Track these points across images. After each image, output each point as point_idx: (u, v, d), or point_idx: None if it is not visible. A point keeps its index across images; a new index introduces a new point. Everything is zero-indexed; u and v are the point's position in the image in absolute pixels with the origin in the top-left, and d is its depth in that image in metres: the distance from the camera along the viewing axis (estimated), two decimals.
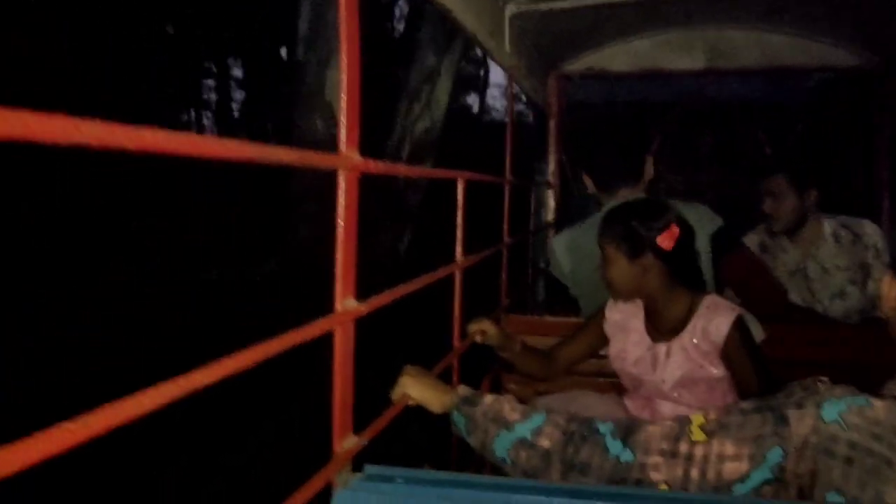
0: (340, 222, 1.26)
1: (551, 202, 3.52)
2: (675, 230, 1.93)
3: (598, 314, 2.22)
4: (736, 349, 1.90)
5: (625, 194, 2.48)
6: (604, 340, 2.21)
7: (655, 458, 1.32)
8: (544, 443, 1.40)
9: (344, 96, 1.26)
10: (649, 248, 1.94)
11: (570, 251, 2.57)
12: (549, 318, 2.61)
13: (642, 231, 1.94)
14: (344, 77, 1.27)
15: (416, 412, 1.60)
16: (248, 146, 0.98)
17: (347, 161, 1.25)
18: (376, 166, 1.35)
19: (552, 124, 3.47)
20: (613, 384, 2.34)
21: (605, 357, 2.23)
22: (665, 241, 1.92)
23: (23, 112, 0.60)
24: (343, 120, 1.26)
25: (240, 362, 0.95)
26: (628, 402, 2.18)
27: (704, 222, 2.37)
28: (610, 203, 2.40)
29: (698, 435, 1.32)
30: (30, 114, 0.61)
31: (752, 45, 3.22)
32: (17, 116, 0.59)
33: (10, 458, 0.61)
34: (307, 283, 5.18)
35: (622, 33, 3.26)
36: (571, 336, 2.27)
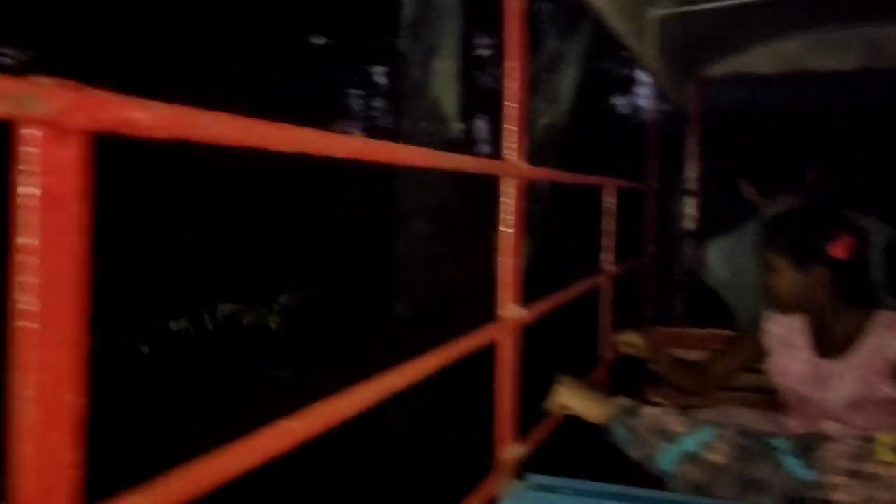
0: (505, 229, 1.25)
1: (692, 210, 3.41)
2: (849, 240, 1.79)
3: (756, 328, 2.10)
4: None
5: (785, 201, 2.36)
6: (762, 355, 2.09)
7: (838, 478, 1.24)
8: (715, 457, 1.34)
9: (509, 103, 1.26)
10: (820, 259, 1.80)
11: (726, 259, 2.47)
12: (695, 331, 2.51)
13: (813, 240, 1.79)
14: (510, 84, 1.26)
15: (573, 422, 1.57)
16: (424, 152, 0.99)
17: (513, 168, 1.25)
18: (541, 173, 1.34)
19: (693, 129, 3.37)
20: (767, 401, 2.22)
21: (759, 371, 2.12)
22: (838, 251, 1.79)
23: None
24: (509, 127, 1.25)
25: (411, 372, 0.96)
26: (788, 421, 2.04)
27: (875, 234, 2.22)
28: (771, 209, 2.28)
29: (886, 455, 1.24)
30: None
31: None
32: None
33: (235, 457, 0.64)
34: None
35: (769, 34, 3.11)
36: (727, 349, 2.15)
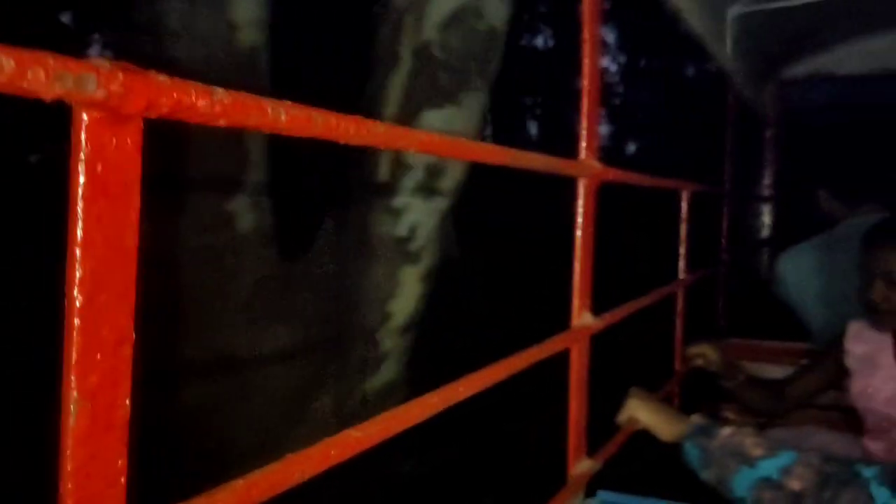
0: (578, 232, 1.20)
1: (767, 218, 3.28)
2: None
3: (836, 346, 1.98)
4: None
5: (869, 210, 2.23)
6: (843, 375, 1.96)
7: None
8: (794, 484, 1.25)
9: (584, 101, 1.20)
10: None
11: (798, 271, 2.35)
12: (770, 343, 2.40)
13: None
14: (585, 82, 1.21)
15: (645, 437, 1.50)
16: (502, 150, 0.95)
17: (588, 168, 1.19)
18: (616, 174, 1.28)
19: (769, 133, 3.24)
20: (847, 420, 2.09)
21: (839, 388, 2.00)
22: None
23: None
24: (583, 126, 1.20)
25: (483, 379, 0.91)
26: (870, 444, 1.92)
27: None
28: (854, 219, 2.16)
29: None
30: None
31: None
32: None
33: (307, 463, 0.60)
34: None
35: (854, 32, 2.97)
36: (803, 368, 2.03)
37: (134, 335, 0.47)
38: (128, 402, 0.47)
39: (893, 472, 1.22)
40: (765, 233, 3.28)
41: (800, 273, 2.39)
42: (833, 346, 1.98)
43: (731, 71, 2.40)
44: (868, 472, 1.23)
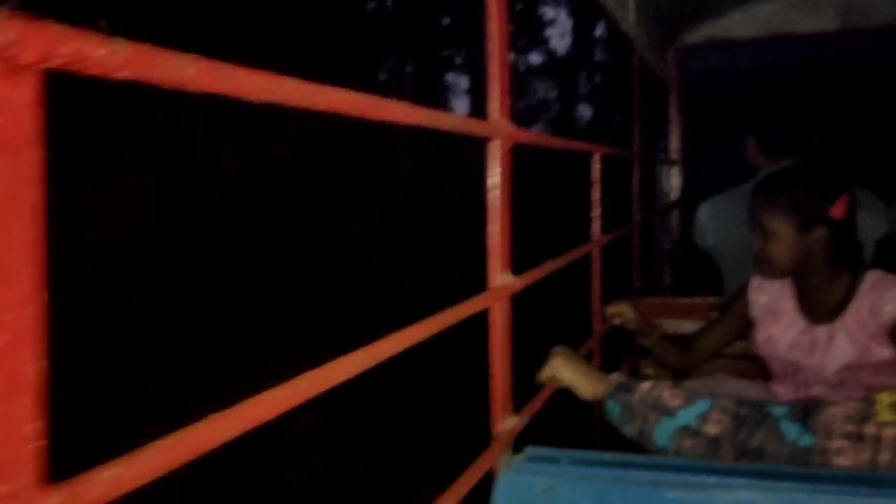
0: (494, 193, 1.21)
1: (676, 180, 3.39)
2: (846, 198, 1.74)
3: (740, 298, 2.06)
4: None
5: (790, 164, 2.33)
6: (748, 325, 2.05)
7: (839, 443, 1.22)
8: (712, 429, 1.32)
9: (493, 61, 1.21)
10: (821, 220, 1.74)
11: (717, 220, 2.44)
12: (683, 300, 2.49)
13: (816, 201, 1.73)
14: (492, 44, 1.22)
15: (568, 394, 1.54)
16: (414, 110, 0.95)
17: (500, 129, 1.20)
18: (527, 136, 1.29)
19: (673, 98, 3.34)
20: (756, 367, 2.20)
21: (748, 338, 2.10)
22: (838, 210, 1.73)
23: None
24: (494, 86, 1.21)
25: (399, 342, 0.92)
26: (777, 388, 2.02)
27: (871, 220, 2.21)
28: (772, 171, 2.25)
29: (886, 415, 1.21)
30: None
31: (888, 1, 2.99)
32: None
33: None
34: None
35: None
36: (712, 323, 2.12)
37: (43, 295, 0.45)
38: (37, 364, 0.45)
39: (801, 409, 1.30)
40: (674, 195, 3.39)
41: (717, 222, 2.48)
42: (737, 298, 2.07)
43: (635, 37, 2.45)
44: (778, 410, 1.30)
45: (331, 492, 3.40)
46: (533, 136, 1.33)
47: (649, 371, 2.40)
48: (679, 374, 2.26)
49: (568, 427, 1.68)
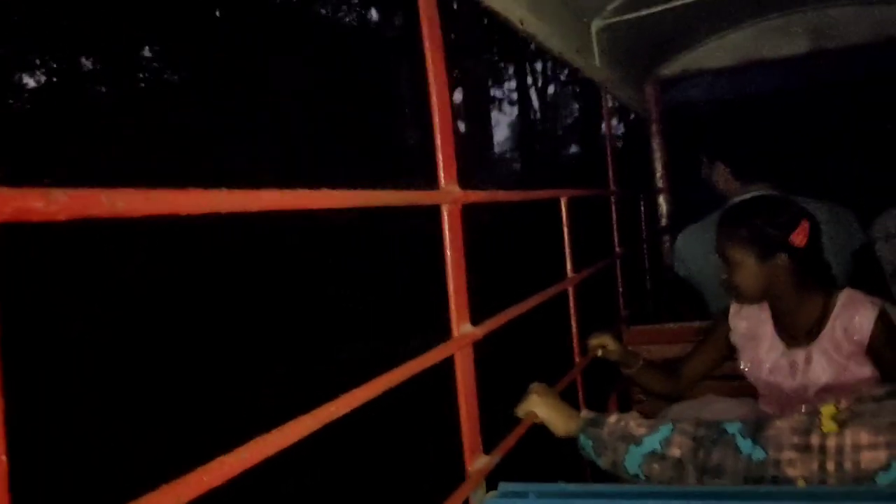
0: (448, 253, 1.32)
1: (663, 208, 3.47)
2: (806, 225, 1.80)
3: (721, 324, 2.13)
4: (883, 345, 1.77)
5: (761, 188, 2.40)
6: (731, 351, 2.12)
7: (788, 454, 1.30)
8: (675, 452, 1.40)
9: (437, 130, 1.32)
10: (781, 248, 1.80)
11: (695, 248, 2.51)
12: (671, 326, 2.56)
13: (772, 230, 1.80)
14: (435, 112, 1.33)
15: (542, 429, 1.62)
16: (354, 194, 1.06)
17: (448, 195, 1.31)
18: (477, 196, 1.40)
19: (654, 129, 3.44)
20: (747, 386, 2.26)
21: (736, 359, 2.17)
22: (798, 238, 1.78)
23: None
24: (439, 155, 1.32)
25: (369, 392, 1.02)
26: (765, 407, 2.08)
27: (846, 234, 2.28)
28: (745, 196, 2.33)
29: (829, 426, 1.29)
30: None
31: (858, 20, 3.08)
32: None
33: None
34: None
35: (716, 28, 3.19)
36: (694, 350, 2.18)
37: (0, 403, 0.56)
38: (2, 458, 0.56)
39: (752, 425, 1.38)
40: (662, 222, 3.48)
41: (694, 249, 2.56)
42: (718, 324, 2.14)
43: (603, 80, 2.56)
44: (732, 428, 1.39)
45: None
46: (484, 195, 1.44)
47: (641, 397, 2.47)
48: (671, 398, 2.33)
49: (551, 460, 1.76)
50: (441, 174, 1.31)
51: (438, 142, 1.31)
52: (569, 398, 1.69)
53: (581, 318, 2.01)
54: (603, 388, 2.28)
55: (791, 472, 1.28)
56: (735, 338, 2.08)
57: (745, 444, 1.35)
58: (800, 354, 1.92)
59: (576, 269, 1.97)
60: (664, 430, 1.44)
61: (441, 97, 1.33)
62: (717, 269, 1.99)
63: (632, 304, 2.67)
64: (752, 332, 2.04)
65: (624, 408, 2.37)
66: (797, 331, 1.93)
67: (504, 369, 1.55)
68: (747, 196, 2.21)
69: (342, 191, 1.02)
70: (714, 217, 2.51)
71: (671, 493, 1.28)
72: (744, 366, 2.06)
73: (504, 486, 1.36)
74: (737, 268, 1.86)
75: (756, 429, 1.34)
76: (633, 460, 1.45)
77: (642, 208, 3.21)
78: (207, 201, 0.76)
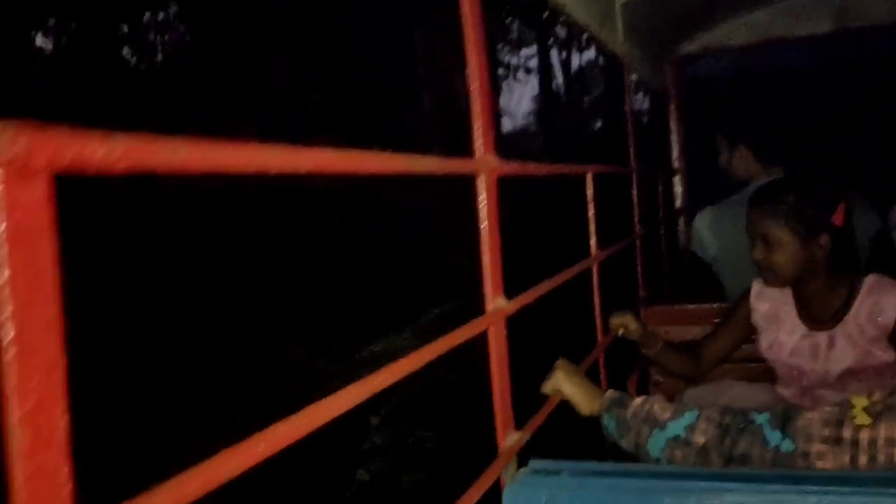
0: (484, 224, 1.28)
1: (679, 188, 3.44)
2: (843, 205, 1.75)
3: (743, 304, 2.10)
4: None
5: (779, 172, 2.37)
6: (751, 332, 2.09)
7: (819, 446, 1.28)
8: (699, 439, 1.38)
9: (476, 99, 1.29)
10: (823, 228, 1.76)
11: (713, 230, 2.49)
12: (690, 307, 2.53)
13: (815, 210, 1.75)
14: (474, 80, 1.29)
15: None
16: (395, 158, 1.02)
17: (485, 165, 1.28)
18: (512, 167, 1.37)
19: (672, 108, 3.39)
20: (765, 370, 2.24)
21: (755, 342, 2.14)
22: (839, 217, 1.74)
23: None
24: (477, 123, 1.28)
25: (404, 367, 0.99)
26: (783, 391, 2.06)
27: (864, 220, 2.25)
28: (767, 178, 2.29)
29: (862, 418, 1.27)
30: None
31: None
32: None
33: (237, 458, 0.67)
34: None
35: (739, 5, 3.14)
36: (715, 331, 2.16)
37: (64, 360, 0.53)
38: (64, 420, 0.53)
39: (781, 415, 1.36)
40: (678, 203, 3.44)
41: (714, 231, 2.53)
42: (739, 305, 2.11)
43: (625, 55, 2.52)
44: (760, 418, 1.37)
45: None
46: (518, 166, 1.41)
47: (659, 378, 2.45)
48: (688, 380, 2.31)
49: (578, 438, 1.74)
50: (477, 143, 1.28)
51: (476, 109, 1.28)
52: (590, 377, 1.66)
53: (603, 296, 1.98)
54: (623, 369, 2.25)
55: (821, 465, 1.26)
56: (756, 319, 2.06)
57: (773, 435, 1.32)
58: (822, 337, 1.89)
59: (600, 246, 1.94)
60: (689, 415, 1.41)
61: (479, 65, 1.29)
62: (741, 249, 1.96)
63: (649, 285, 2.64)
64: (774, 313, 2.01)
65: (642, 389, 2.36)
66: (821, 314, 1.90)
67: (529, 345, 1.53)
68: (772, 177, 2.17)
69: (385, 154, 0.99)
70: (736, 198, 2.49)
71: (700, 475, 1.25)
72: (764, 347, 2.04)
73: (535, 463, 1.34)
74: (776, 248, 1.81)
75: (785, 419, 1.32)
76: (655, 444, 1.43)
77: (660, 188, 3.17)
78: (262, 158, 0.73)
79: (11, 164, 0.49)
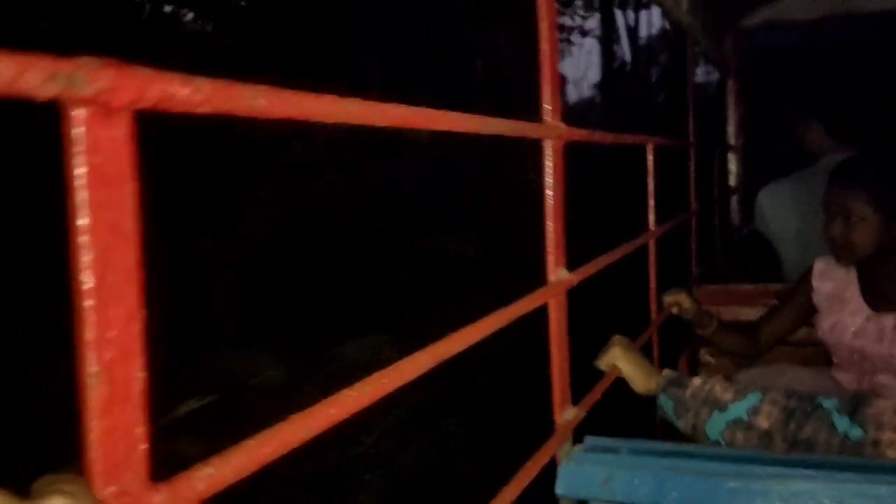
0: (549, 192, 1.24)
1: (734, 165, 3.34)
2: None
3: (804, 285, 2.04)
4: None
5: (850, 149, 2.29)
6: (811, 313, 2.03)
7: (891, 435, 1.23)
8: (763, 422, 1.33)
9: (544, 65, 1.24)
10: None
11: (778, 205, 2.41)
12: (742, 287, 2.46)
13: None
14: (543, 46, 1.25)
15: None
16: (471, 118, 0.99)
17: (553, 130, 1.23)
18: (579, 134, 1.32)
19: (731, 83, 3.29)
20: (820, 354, 2.17)
21: (812, 325, 2.08)
22: None
23: None
24: (545, 89, 1.24)
25: (466, 338, 0.96)
26: (841, 376, 1.99)
27: None
28: (837, 155, 2.20)
29: None
30: None
31: None
32: None
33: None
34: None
35: None
36: (773, 311, 2.10)
37: (143, 312, 0.50)
38: (141, 374, 0.51)
39: (850, 401, 1.30)
40: (732, 182, 3.35)
41: (778, 207, 2.45)
42: (800, 285, 2.05)
43: (689, 25, 2.44)
44: (828, 403, 1.31)
45: (401, 482, 3.49)
46: (584, 133, 1.36)
47: (708, 359, 2.39)
48: (740, 363, 2.25)
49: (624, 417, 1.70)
50: (546, 108, 1.23)
51: (545, 74, 1.23)
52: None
53: (659, 273, 1.93)
54: (674, 348, 2.20)
55: (892, 454, 1.21)
56: (818, 299, 1.99)
57: (841, 422, 1.27)
58: (889, 320, 1.83)
59: (658, 221, 1.88)
60: (752, 397, 1.36)
61: (550, 30, 1.24)
62: (806, 226, 1.89)
63: (702, 263, 2.57)
64: (838, 294, 1.95)
65: (692, 370, 2.31)
66: (888, 295, 1.84)
67: (581, 319, 1.48)
68: (846, 154, 2.09)
69: (457, 113, 0.96)
70: (804, 173, 2.40)
71: (765, 460, 1.21)
72: (825, 328, 1.97)
73: (591, 440, 1.31)
74: (859, 225, 1.75)
75: (854, 405, 1.27)
76: (715, 426, 1.38)
77: (716, 164, 3.08)
78: (340, 110, 0.70)
79: (95, 102, 0.46)
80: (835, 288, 1.96)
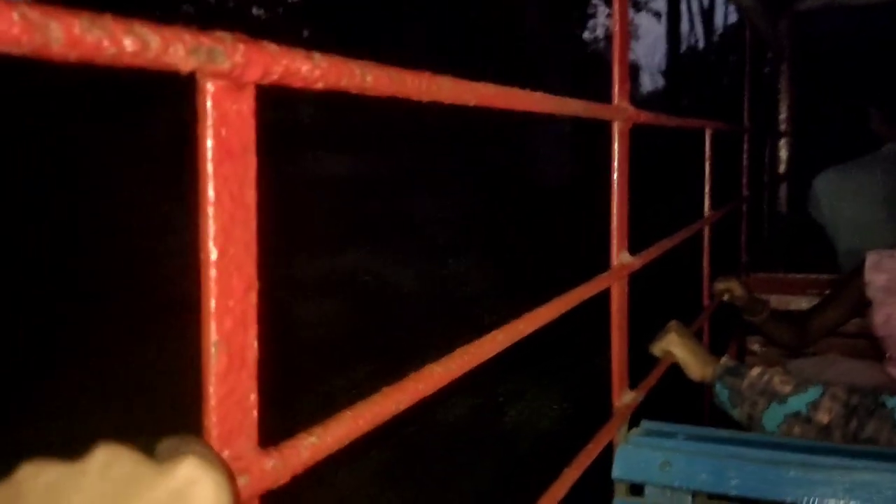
0: (615, 175, 1.23)
1: (784, 152, 3.28)
2: None
3: (857, 276, 2.00)
4: None
5: None
6: (864, 305, 2.00)
7: None
8: (822, 417, 1.32)
9: (616, 47, 1.23)
10: None
11: (833, 194, 2.37)
12: (793, 276, 2.43)
13: None
14: (615, 29, 1.24)
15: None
16: (545, 98, 0.98)
17: (622, 112, 1.22)
18: (647, 116, 1.31)
19: (784, 67, 3.22)
20: (871, 347, 2.14)
21: (865, 317, 2.05)
22: None
23: None
24: (615, 71, 1.23)
25: (534, 320, 0.96)
26: (893, 370, 1.97)
27: None
28: (893, 146, 2.16)
29: None
30: None
31: None
32: None
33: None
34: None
35: None
36: (825, 302, 2.07)
37: (258, 283, 0.52)
38: (256, 342, 0.52)
39: None
40: (782, 167, 3.29)
41: (834, 194, 2.41)
42: (853, 276, 2.02)
43: (747, 6, 2.39)
44: (892, 402, 1.29)
45: (467, 463, 3.52)
46: (651, 116, 1.35)
47: (756, 348, 2.37)
48: (789, 353, 2.23)
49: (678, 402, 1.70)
50: (615, 90, 1.22)
51: (616, 55, 1.22)
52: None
53: (712, 260, 1.91)
54: (726, 335, 2.19)
55: None
56: (872, 292, 1.96)
57: None
58: None
59: (714, 207, 1.86)
60: (813, 391, 1.35)
61: (621, 12, 1.23)
62: (863, 214, 1.86)
63: (752, 251, 2.55)
64: (891, 286, 1.91)
65: (739, 358, 2.29)
66: None
67: (640, 303, 1.48)
68: None
69: (537, 93, 0.95)
70: (860, 161, 2.35)
71: (826, 449, 1.20)
72: (879, 321, 1.94)
73: (647, 424, 1.31)
74: None
75: None
76: (772, 418, 1.37)
77: (767, 151, 3.03)
78: (435, 87, 0.71)
79: (229, 76, 0.47)
80: (889, 280, 1.92)
